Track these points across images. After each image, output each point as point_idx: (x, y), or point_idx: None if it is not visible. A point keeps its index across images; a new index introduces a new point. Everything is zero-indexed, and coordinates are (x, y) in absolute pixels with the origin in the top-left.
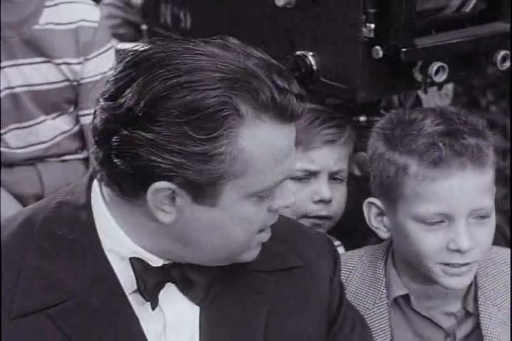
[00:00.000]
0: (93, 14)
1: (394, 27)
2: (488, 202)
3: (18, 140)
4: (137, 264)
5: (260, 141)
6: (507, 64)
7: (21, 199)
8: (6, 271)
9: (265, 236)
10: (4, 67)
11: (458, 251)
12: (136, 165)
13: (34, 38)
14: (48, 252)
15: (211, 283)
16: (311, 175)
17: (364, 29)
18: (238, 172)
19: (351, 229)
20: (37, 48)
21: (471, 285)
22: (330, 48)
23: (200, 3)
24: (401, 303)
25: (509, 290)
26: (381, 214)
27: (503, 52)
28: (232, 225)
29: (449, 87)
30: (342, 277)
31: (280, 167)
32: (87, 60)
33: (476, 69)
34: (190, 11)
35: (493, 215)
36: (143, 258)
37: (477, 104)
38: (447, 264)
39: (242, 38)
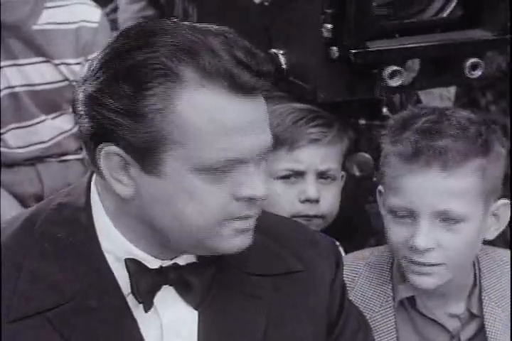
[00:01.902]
0: (94, 15)
1: (347, 28)
2: (457, 207)
3: (18, 140)
4: (131, 265)
5: (202, 110)
6: (477, 72)
7: (21, 199)
8: (6, 272)
9: (242, 224)
10: (4, 67)
11: (414, 248)
12: (89, 127)
13: (34, 38)
14: (47, 254)
15: (209, 286)
16: (297, 174)
17: (323, 29)
18: (177, 140)
19: (351, 230)
20: (36, 48)
21: (475, 286)
22: (297, 47)
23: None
24: (406, 305)
25: (510, 291)
26: None
27: (472, 60)
28: (182, 202)
29: (452, 90)
30: (347, 279)
31: (228, 142)
32: (87, 60)
33: (449, 76)
34: (197, 7)
35: (475, 221)
36: (139, 259)
37: (477, 104)
38: (411, 261)
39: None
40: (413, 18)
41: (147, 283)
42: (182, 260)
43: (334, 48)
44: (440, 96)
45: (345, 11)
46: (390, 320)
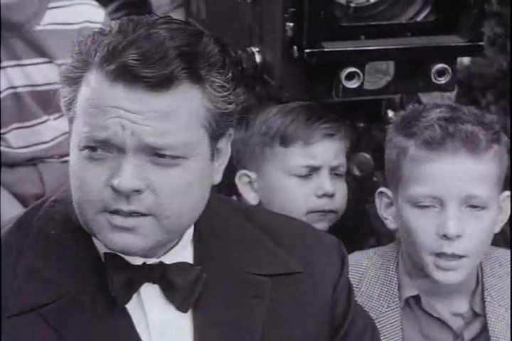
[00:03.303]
0: (97, 15)
1: (303, 27)
2: (482, 192)
3: (20, 140)
4: (110, 259)
5: (87, 89)
6: (443, 79)
7: (22, 200)
8: (3, 269)
9: (117, 219)
10: (6, 67)
11: (446, 236)
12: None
13: (36, 38)
14: (42, 251)
15: (195, 286)
16: (312, 170)
17: (287, 28)
18: (73, 115)
19: (351, 230)
20: (39, 49)
21: (477, 285)
22: (267, 46)
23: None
24: (411, 304)
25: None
26: (390, 204)
27: (438, 66)
28: (71, 176)
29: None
30: (353, 279)
31: (90, 119)
32: None
33: (417, 81)
34: (206, 5)
35: (493, 210)
36: (122, 254)
37: (477, 104)
38: (438, 256)
39: (224, 31)
40: (381, 21)
41: (124, 278)
42: (170, 259)
43: (295, 47)
44: (441, 96)
45: (303, 11)
46: (396, 321)
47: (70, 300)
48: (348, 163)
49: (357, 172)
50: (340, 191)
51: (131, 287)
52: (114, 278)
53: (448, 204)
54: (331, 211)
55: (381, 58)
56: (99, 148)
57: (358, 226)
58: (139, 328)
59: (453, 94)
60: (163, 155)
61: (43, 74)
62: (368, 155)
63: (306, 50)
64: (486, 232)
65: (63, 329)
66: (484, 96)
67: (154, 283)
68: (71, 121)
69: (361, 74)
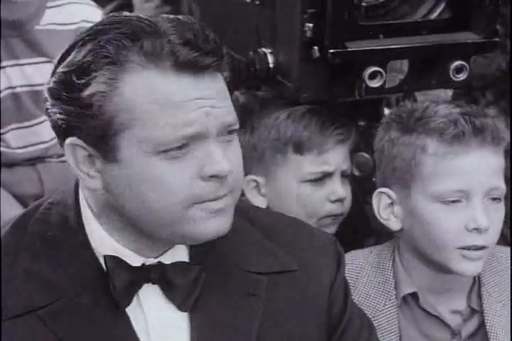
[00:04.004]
0: (94, 15)
1: (326, 28)
2: (501, 184)
3: (19, 140)
4: (110, 261)
5: (145, 90)
6: (462, 75)
7: (21, 200)
8: (1, 271)
9: (214, 205)
10: (5, 67)
11: (477, 229)
12: (54, 122)
13: (35, 38)
14: (39, 253)
15: (194, 285)
16: (325, 176)
17: (306, 29)
18: (127, 122)
19: (351, 230)
20: (38, 48)
21: (474, 281)
22: (282, 47)
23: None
24: (409, 302)
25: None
26: (391, 204)
27: (457, 63)
28: (145, 187)
29: (449, 92)
30: (350, 278)
31: (173, 118)
32: None
33: (434, 79)
34: (200, 5)
35: (504, 204)
36: (120, 256)
37: (477, 104)
38: (466, 248)
39: (223, 31)
40: (398, 20)
41: (125, 280)
42: (168, 258)
43: (315, 48)
44: (437, 97)
45: (325, 11)
46: (393, 319)
47: (68, 302)
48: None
49: (357, 173)
50: (348, 194)
51: (132, 288)
52: (116, 281)
53: (474, 198)
54: (341, 214)
55: (402, 56)
56: (184, 145)
57: (357, 226)
58: (138, 329)
59: (448, 96)
60: (232, 131)
61: (41, 74)
62: (367, 155)
63: (331, 51)
64: (502, 222)
65: (61, 331)
66: (484, 96)
67: (154, 283)
68: (116, 133)
69: (384, 73)
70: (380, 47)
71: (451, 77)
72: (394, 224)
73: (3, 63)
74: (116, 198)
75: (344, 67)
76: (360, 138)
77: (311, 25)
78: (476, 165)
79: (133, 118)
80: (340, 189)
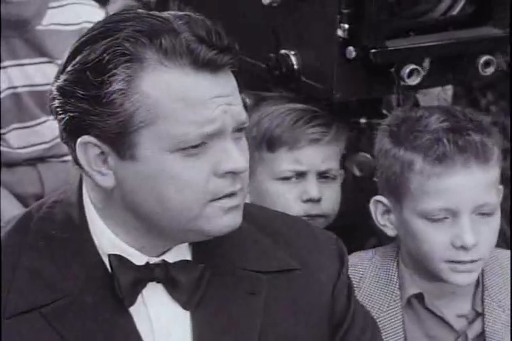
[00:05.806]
0: (97, 16)
1: (365, 28)
2: (492, 199)
3: (20, 140)
4: (115, 260)
5: (165, 87)
6: (490, 69)
7: (22, 200)
8: (3, 269)
9: (228, 202)
10: (7, 67)
11: (463, 247)
12: (65, 120)
13: (37, 38)
14: (42, 251)
15: (198, 284)
16: (298, 175)
17: (339, 29)
18: (147, 120)
19: (351, 229)
20: (40, 49)
21: (478, 285)
22: (309, 48)
23: (202, 2)
24: (414, 303)
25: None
26: (388, 211)
27: (485, 57)
28: (162, 184)
29: (448, 92)
30: (354, 279)
31: (194, 116)
32: None
33: (461, 74)
34: (194, 9)
35: (498, 214)
36: (125, 254)
37: (477, 104)
38: (454, 262)
39: (234, 35)
40: (424, 17)
41: (130, 279)
42: (171, 257)
43: (351, 48)
44: (437, 97)
45: (364, 11)
46: (397, 320)
47: (72, 301)
48: (348, 163)
49: (357, 172)
50: (329, 195)
51: (136, 287)
52: (120, 279)
53: (461, 215)
54: (317, 215)
55: (438, 53)
56: (203, 142)
57: (357, 226)
58: (142, 327)
59: (448, 96)
60: (242, 129)
61: (42, 74)
62: (368, 155)
63: (372, 50)
64: (496, 234)
65: (64, 330)
66: (484, 96)
67: (158, 282)
68: (134, 131)
69: (421, 71)
70: (418, 45)
71: (480, 71)
72: (390, 231)
73: (5, 63)
74: (130, 196)
75: (379, 66)
76: (360, 138)
77: (346, 25)
78: (463, 184)
79: (153, 116)
80: (313, 189)
